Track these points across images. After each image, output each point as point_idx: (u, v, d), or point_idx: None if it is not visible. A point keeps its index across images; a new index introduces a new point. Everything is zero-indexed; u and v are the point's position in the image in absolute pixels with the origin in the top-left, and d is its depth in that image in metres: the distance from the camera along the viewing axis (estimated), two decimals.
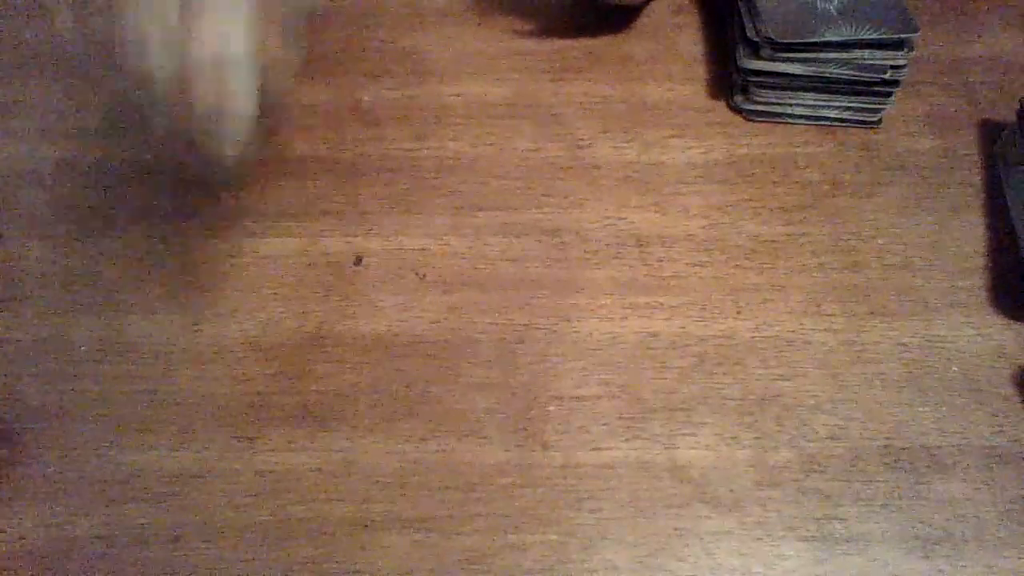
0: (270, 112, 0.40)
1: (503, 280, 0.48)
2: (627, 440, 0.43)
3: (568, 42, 0.61)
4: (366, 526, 0.40)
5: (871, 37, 0.52)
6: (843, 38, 0.52)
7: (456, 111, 0.57)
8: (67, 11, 0.49)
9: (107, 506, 0.40)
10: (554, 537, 0.39)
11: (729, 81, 0.58)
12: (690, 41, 0.62)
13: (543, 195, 0.52)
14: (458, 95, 0.58)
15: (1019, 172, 0.52)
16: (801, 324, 0.46)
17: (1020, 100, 0.53)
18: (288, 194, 0.52)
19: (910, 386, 0.44)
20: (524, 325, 0.46)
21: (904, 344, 0.46)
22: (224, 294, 0.48)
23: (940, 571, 0.38)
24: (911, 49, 0.53)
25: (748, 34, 0.54)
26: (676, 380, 0.45)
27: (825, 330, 0.46)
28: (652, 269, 0.48)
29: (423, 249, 0.49)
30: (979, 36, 0.62)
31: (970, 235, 0.50)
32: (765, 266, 0.49)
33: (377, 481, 0.41)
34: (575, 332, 0.46)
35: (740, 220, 0.51)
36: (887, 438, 0.42)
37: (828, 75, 0.54)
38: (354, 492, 0.41)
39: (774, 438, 0.43)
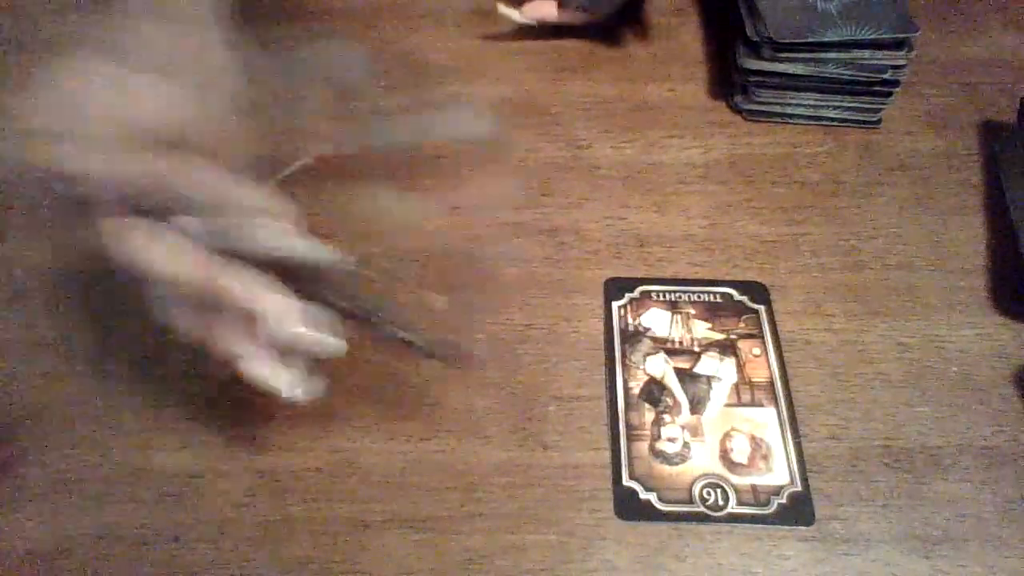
0: None
1: (503, 280, 0.48)
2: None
3: (568, 42, 0.61)
4: (366, 526, 0.40)
5: (871, 37, 0.52)
6: (843, 38, 0.52)
7: None
8: None
9: (107, 506, 0.40)
10: (554, 537, 0.39)
11: (729, 81, 0.58)
12: (690, 41, 0.62)
13: (543, 195, 0.52)
14: (458, 95, 0.58)
15: (1019, 172, 0.52)
16: (801, 324, 0.46)
17: (1020, 100, 0.53)
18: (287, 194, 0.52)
19: (910, 386, 0.44)
20: (524, 325, 0.46)
21: (904, 344, 0.46)
22: None
23: (940, 571, 0.38)
24: (911, 49, 0.53)
25: (748, 34, 0.54)
26: None
27: (825, 330, 0.46)
28: (652, 269, 0.48)
29: (423, 249, 0.49)
30: (979, 36, 0.62)
31: (970, 235, 0.50)
32: (765, 266, 0.49)
33: (377, 481, 0.41)
34: (575, 332, 0.46)
35: (740, 220, 0.51)
36: (887, 438, 0.42)
37: (828, 75, 0.54)
38: (354, 492, 0.41)
39: None
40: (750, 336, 0.45)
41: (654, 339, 0.45)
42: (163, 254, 0.32)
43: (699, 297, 0.47)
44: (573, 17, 0.60)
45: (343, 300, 0.37)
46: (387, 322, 0.38)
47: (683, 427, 0.42)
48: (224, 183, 0.33)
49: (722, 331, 0.46)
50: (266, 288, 0.33)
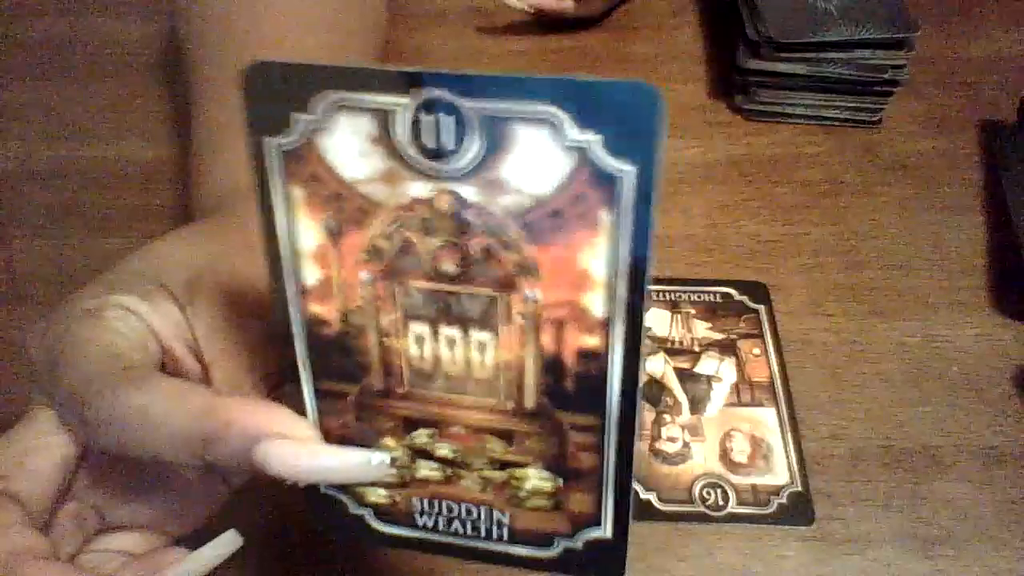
0: None
1: None
2: None
3: (568, 42, 0.61)
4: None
5: (871, 37, 0.52)
6: (843, 38, 0.52)
7: None
8: None
9: None
10: None
11: (729, 81, 0.58)
12: (690, 41, 0.62)
13: None
14: None
15: (1019, 172, 0.52)
16: (801, 324, 0.46)
17: (1020, 100, 0.53)
18: None
19: (910, 386, 0.44)
20: None
21: (904, 344, 0.46)
22: None
23: (940, 571, 0.38)
24: (911, 49, 0.53)
25: (748, 34, 0.54)
26: None
27: (825, 330, 0.46)
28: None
29: None
30: (979, 36, 0.62)
31: (970, 235, 0.50)
32: (765, 266, 0.49)
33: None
34: None
35: (740, 220, 0.51)
36: (887, 438, 0.42)
37: (828, 75, 0.54)
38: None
39: None
40: (750, 336, 0.45)
41: (654, 339, 0.45)
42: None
43: (699, 297, 0.47)
44: (568, 7, 0.60)
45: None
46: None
47: (683, 427, 0.42)
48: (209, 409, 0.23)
49: (722, 331, 0.46)
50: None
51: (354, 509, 0.27)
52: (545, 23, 0.61)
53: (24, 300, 0.47)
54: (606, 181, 0.20)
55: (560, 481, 0.25)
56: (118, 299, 0.27)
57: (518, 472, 0.25)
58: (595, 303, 0.21)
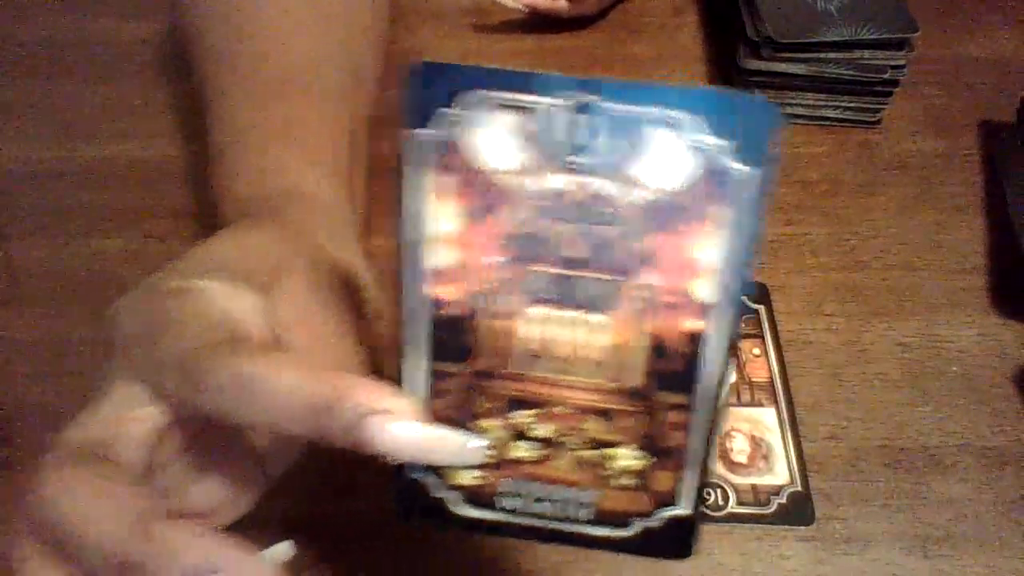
0: None
1: None
2: None
3: (568, 42, 0.61)
4: (380, 528, 0.40)
5: (871, 37, 0.52)
6: (843, 38, 0.52)
7: None
8: None
9: None
10: None
11: (729, 81, 0.58)
12: (690, 41, 0.62)
13: None
14: None
15: (1019, 172, 0.52)
16: (801, 324, 0.46)
17: (1020, 100, 0.53)
18: None
19: (910, 386, 0.44)
20: None
21: (904, 344, 0.46)
22: None
23: (940, 571, 0.38)
24: (911, 49, 0.53)
25: (748, 34, 0.54)
26: None
27: (825, 330, 0.46)
28: None
29: None
30: (979, 36, 0.62)
31: (970, 235, 0.50)
32: (765, 266, 0.49)
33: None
34: None
35: None
36: (887, 438, 0.42)
37: (828, 75, 0.54)
38: (356, 492, 0.41)
39: None
40: (750, 336, 0.45)
41: None
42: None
43: None
44: (561, 7, 0.60)
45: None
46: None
47: None
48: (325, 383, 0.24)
49: None
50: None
51: (437, 492, 0.27)
52: (540, 22, 0.61)
53: (24, 300, 0.47)
54: (729, 182, 0.22)
55: (651, 459, 0.26)
56: (200, 283, 0.27)
57: (610, 451, 0.26)
58: (705, 290, 0.24)
